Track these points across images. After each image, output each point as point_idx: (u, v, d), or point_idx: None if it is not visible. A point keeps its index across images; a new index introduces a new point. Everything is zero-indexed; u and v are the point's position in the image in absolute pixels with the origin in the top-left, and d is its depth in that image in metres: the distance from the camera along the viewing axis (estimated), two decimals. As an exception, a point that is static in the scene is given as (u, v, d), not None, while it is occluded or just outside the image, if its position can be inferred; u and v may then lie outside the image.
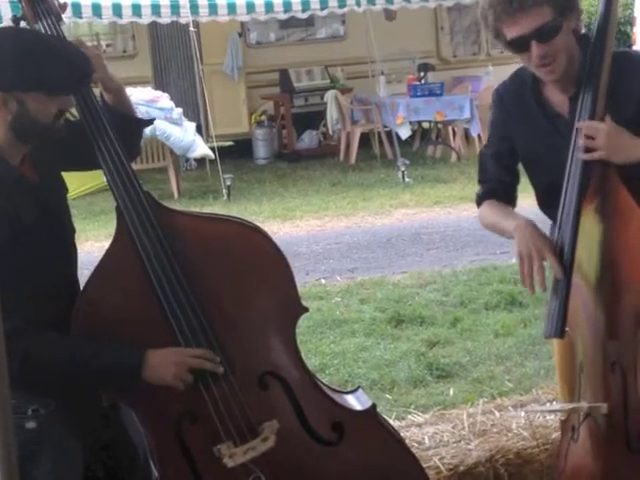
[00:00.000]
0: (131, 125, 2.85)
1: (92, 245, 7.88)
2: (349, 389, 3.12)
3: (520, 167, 3.09)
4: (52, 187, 2.73)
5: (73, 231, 2.80)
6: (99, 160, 2.64)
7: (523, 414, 3.63)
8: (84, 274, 2.70)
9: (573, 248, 2.67)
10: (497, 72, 13.08)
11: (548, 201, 2.92)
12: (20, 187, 2.59)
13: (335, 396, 2.87)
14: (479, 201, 3.11)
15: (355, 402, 2.93)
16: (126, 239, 2.62)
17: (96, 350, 2.56)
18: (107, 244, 2.67)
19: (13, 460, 2.09)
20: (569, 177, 2.72)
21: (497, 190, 3.07)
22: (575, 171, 2.71)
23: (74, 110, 2.71)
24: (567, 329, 2.72)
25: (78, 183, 10.84)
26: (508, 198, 3.07)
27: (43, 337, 2.54)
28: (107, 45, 13.75)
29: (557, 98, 2.90)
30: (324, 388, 2.86)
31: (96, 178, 9.74)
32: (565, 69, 2.79)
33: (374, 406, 2.89)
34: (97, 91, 2.75)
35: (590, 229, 2.70)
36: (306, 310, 2.79)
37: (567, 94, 2.86)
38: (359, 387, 3.11)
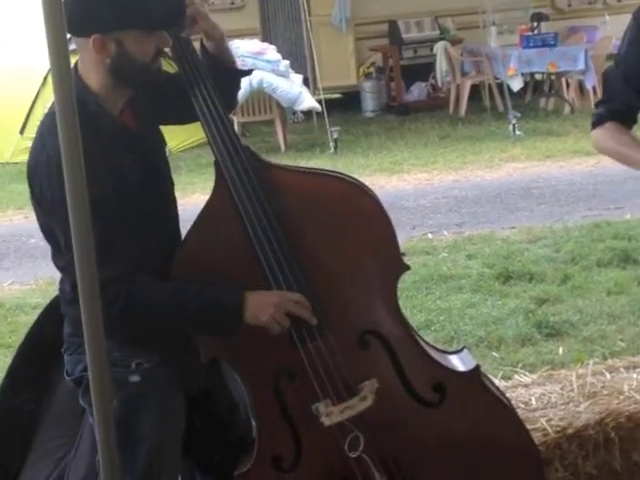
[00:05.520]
0: (231, 75, 2.80)
1: (198, 198, 7.91)
2: (453, 349, 3.04)
3: None
4: (152, 138, 2.71)
5: (172, 184, 2.77)
6: (197, 112, 2.60)
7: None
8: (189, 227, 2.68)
9: None
10: (614, 22, 12.63)
11: None
12: (120, 137, 2.56)
13: (438, 356, 2.80)
14: (600, 121, 2.83)
15: (459, 363, 2.86)
16: (224, 193, 2.58)
17: (198, 289, 2.54)
18: (212, 197, 2.64)
19: (110, 414, 2.10)
20: None
21: (624, 113, 2.80)
22: None
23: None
24: None
25: (185, 136, 10.91)
26: (633, 123, 2.81)
27: (145, 278, 2.53)
28: (215, -3, 13.79)
29: None
30: (427, 348, 2.79)
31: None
32: None
33: (478, 367, 2.81)
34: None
35: None
36: (408, 268, 2.72)
37: None
38: (464, 347, 3.04)
